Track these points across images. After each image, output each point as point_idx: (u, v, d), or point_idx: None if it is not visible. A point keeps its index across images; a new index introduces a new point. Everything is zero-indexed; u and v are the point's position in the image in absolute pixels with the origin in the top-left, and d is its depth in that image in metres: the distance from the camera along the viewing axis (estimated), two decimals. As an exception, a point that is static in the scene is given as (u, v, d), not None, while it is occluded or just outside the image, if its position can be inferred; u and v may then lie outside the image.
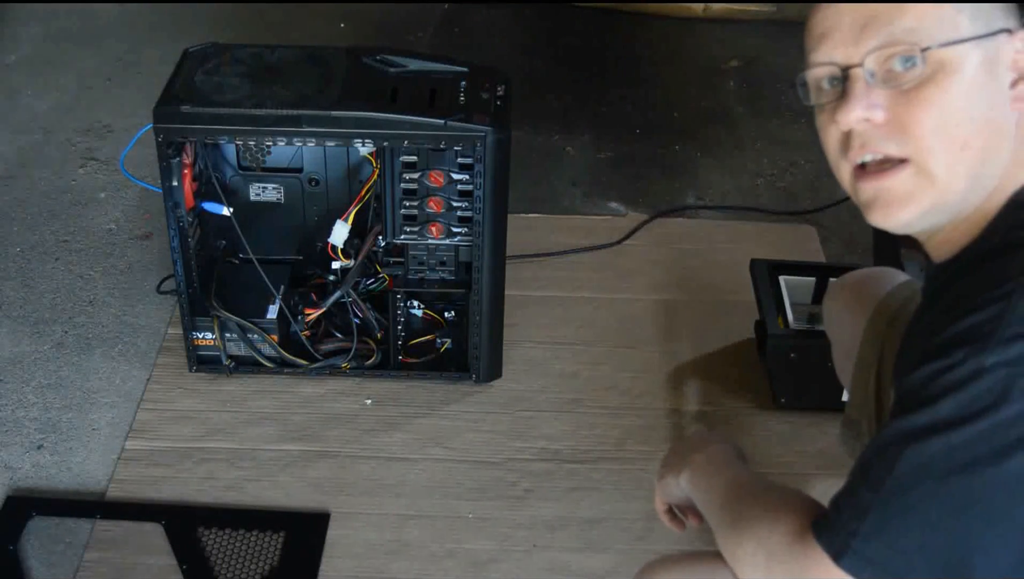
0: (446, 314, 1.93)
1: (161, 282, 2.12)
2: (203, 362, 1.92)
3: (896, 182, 0.89)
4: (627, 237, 2.30)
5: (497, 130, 1.65)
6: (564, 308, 2.13)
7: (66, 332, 2.05)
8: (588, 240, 2.29)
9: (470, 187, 1.72)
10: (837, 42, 0.90)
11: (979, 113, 0.88)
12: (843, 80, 0.90)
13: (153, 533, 1.66)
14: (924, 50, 0.86)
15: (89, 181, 2.45)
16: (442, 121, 1.64)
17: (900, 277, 1.42)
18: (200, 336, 1.88)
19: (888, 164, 0.89)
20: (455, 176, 1.74)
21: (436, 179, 1.74)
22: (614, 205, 2.42)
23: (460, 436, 1.85)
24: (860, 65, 0.88)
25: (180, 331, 1.92)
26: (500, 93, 1.72)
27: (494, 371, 1.93)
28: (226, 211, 1.81)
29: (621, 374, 1.98)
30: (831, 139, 0.93)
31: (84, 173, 2.47)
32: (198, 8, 3.09)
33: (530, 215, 2.35)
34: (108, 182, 2.44)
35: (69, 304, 2.11)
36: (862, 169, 0.91)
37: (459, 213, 1.77)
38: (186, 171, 1.73)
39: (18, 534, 1.65)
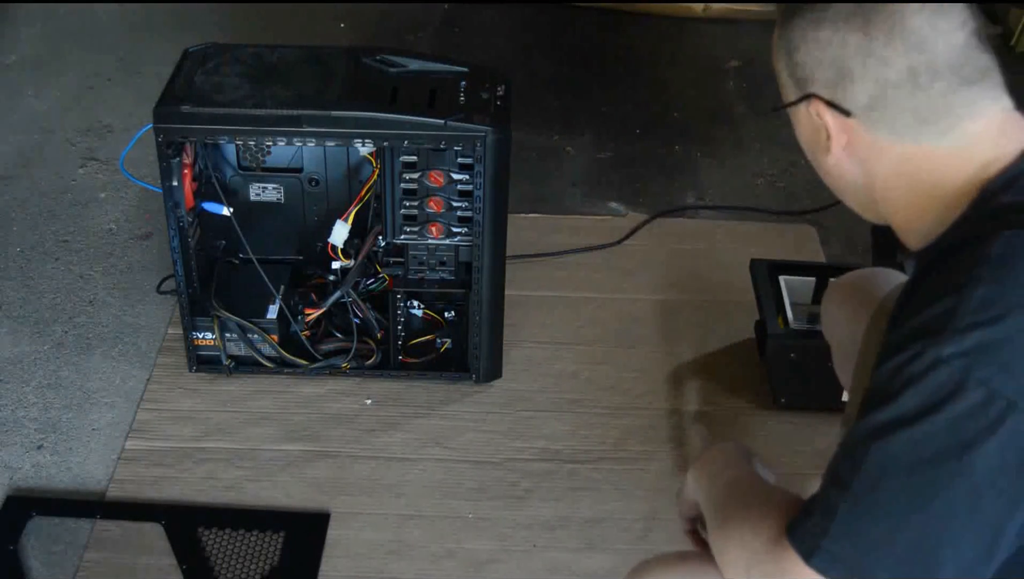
0: (446, 314, 1.93)
1: (161, 282, 2.12)
2: (203, 362, 1.92)
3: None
4: (627, 237, 2.30)
5: (497, 130, 1.65)
6: (564, 308, 2.12)
7: (66, 332, 2.05)
8: (588, 240, 2.29)
9: (470, 187, 1.72)
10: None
11: (818, 161, 1.04)
12: None
13: (153, 533, 1.66)
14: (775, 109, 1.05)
15: (89, 181, 2.45)
16: (442, 121, 1.64)
17: (898, 277, 1.43)
18: (200, 336, 1.88)
19: None
20: (455, 176, 1.74)
21: (436, 179, 1.74)
22: (614, 205, 2.42)
23: (460, 436, 1.85)
24: None
25: (180, 331, 1.92)
26: (500, 93, 1.72)
27: (494, 371, 1.93)
28: (226, 211, 1.81)
29: (621, 374, 1.98)
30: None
31: (84, 173, 2.47)
32: (198, 8, 3.09)
33: (530, 215, 2.35)
34: (108, 182, 2.44)
35: (69, 304, 2.11)
36: None
37: (459, 213, 1.77)
38: (186, 171, 1.73)
39: (18, 534, 1.65)
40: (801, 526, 0.89)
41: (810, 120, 1.00)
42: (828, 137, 0.99)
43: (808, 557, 0.87)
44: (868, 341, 1.38)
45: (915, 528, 0.84)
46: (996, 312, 0.83)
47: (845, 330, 1.44)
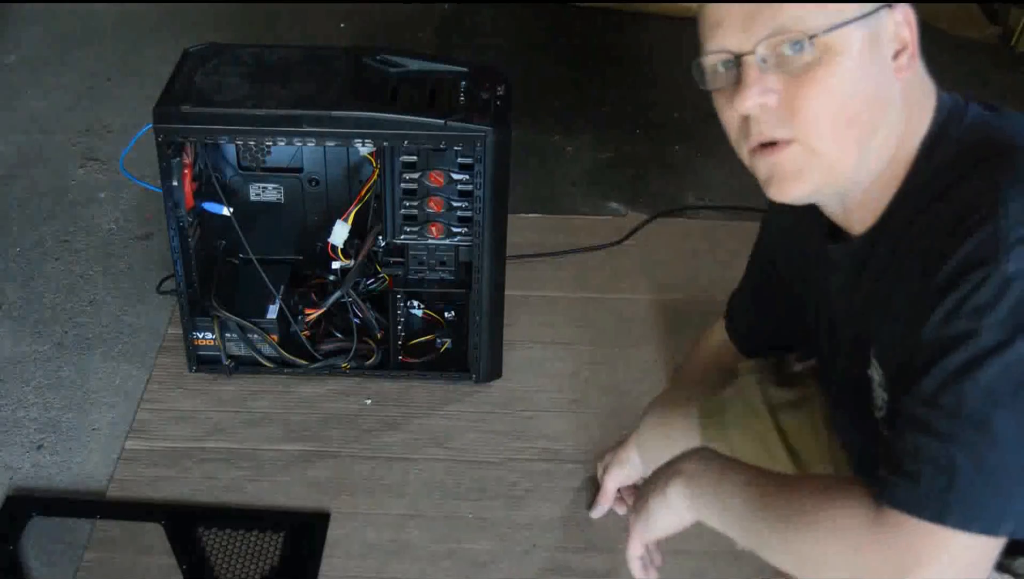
0: (446, 314, 1.93)
1: (161, 282, 2.12)
2: (203, 362, 1.92)
3: (786, 159, 0.94)
4: (627, 237, 2.30)
5: (497, 130, 1.66)
6: (564, 308, 2.13)
7: (66, 332, 2.05)
8: (588, 240, 2.29)
9: (470, 187, 1.72)
10: (729, 31, 0.93)
11: (865, 89, 0.92)
12: (736, 66, 0.93)
13: (153, 533, 1.66)
14: (812, 37, 0.89)
15: (89, 181, 2.45)
16: (442, 121, 1.64)
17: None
18: (200, 336, 1.88)
19: (778, 144, 0.94)
20: (455, 176, 1.74)
21: (436, 179, 1.74)
22: (614, 205, 2.42)
23: (460, 436, 1.85)
24: (752, 52, 0.91)
25: (180, 331, 1.92)
26: (500, 93, 1.72)
27: (494, 371, 1.93)
28: (226, 211, 1.81)
29: (621, 374, 1.98)
30: (730, 121, 0.97)
31: (84, 173, 2.47)
32: (198, 8, 3.09)
33: (530, 215, 2.35)
34: (108, 182, 2.44)
35: (69, 304, 2.11)
36: (759, 147, 0.96)
37: (459, 213, 1.77)
38: (186, 171, 1.73)
39: (18, 534, 1.65)
40: (912, 493, 0.86)
41: (873, 36, 0.91)
42: (902, 49, 0.93)
43: (943, 518, 0.84)
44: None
45: None
46: None
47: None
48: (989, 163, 0.91)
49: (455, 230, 1.79)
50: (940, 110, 0.98)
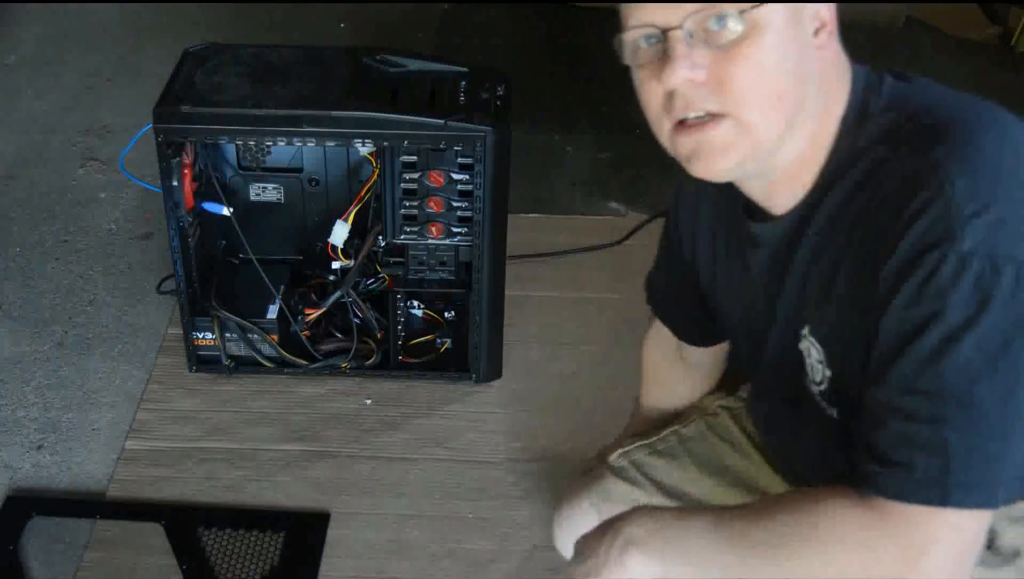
0: (446, 314, 1.93)
1: (161, 282, 2.12)
2: (203, 362, 1.92)
3: (716, 134, 0.92)
4: (627, 237, 2.30)
5: (497, 130, 1.66)
6: (564, 308, 2.12)
7: (66, 332, 2.05)
8: (588, 240, 2.29)
9: (470, 187, 1.72)
10: (656, 6, 0.92)
11: (791, 65, 0.91)
12: (662, 40, 0.92)
13: (153, 533, 1.66)
14: (742, 12, 0.89)
15: (89, 181, 2.45)
16: (442, 121, 1.64)
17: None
18: (200, 336, 1.88)
19: (708, 118, 0.92)
20: (455, 176, 1.74)
21: (436, 179, 1.74)
22: (614, 205, 2.42)
23: (460, 436, 1.85)
24: (679, 27, 0.90)
25: (180, 331, 1.92)
26: (500, 93, 1.72)
27: (494, 371, 1.93)
28: (226, 211, 1.81)
29: (621, 374, 1.97)
30: (653, 97, 0.96)
31: (84, 173, 2.48)
32: (198, 8, 3.09)
33: (530, 215, 2.35)
34: (108, 182, 2.44)
35: (69, 304, 2.11)
36: (681, 124, 0.94)
37: (459, 213, 1.77)
38: (186, 171, 1.73)
39: (18, 534, 1.65)
40: (909, 481, 0.86)
41: (795, 12, 0.91)
42: (821, 27, 0.94)
43: (944, 501, 0.85)
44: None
45: (1020, 406, 0.85)
46: (984, 196, 0.85)
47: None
48: (920, 138, 0.91)
49: (455, 230, 1.79)
50: (856, 85, 0.98)
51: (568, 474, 1.61)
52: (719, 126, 0.92)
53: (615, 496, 1.37)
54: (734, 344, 1.30)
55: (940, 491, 0.85)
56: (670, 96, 0.93)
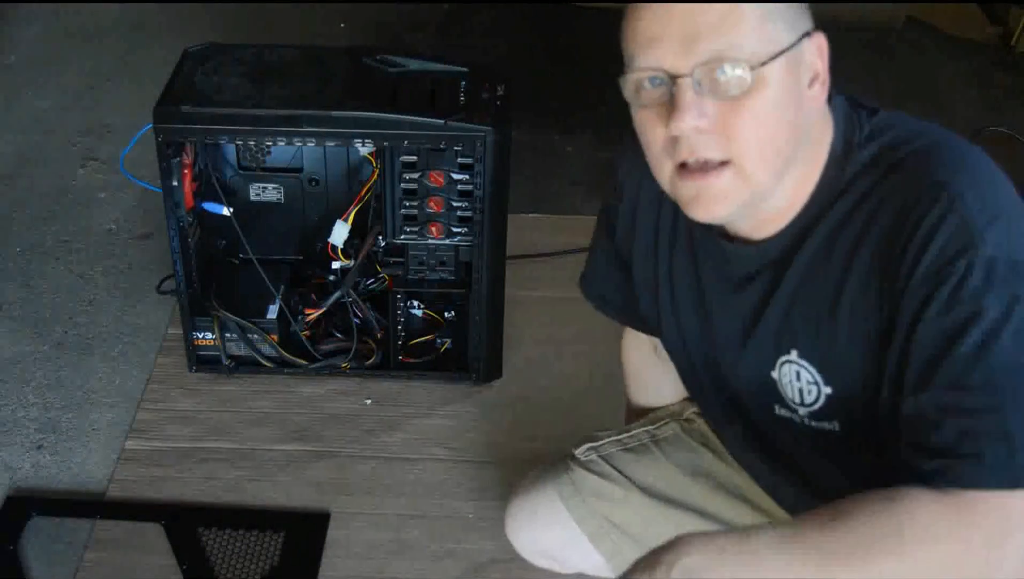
0: (446, 314, 1.93)
1: (161, 282, 2.12)
2: (203, 362, 1.92)
3: (717, 182, 0.96)
4: (627, 237, 2.30)
5: (497, 130, 1.65)
6: (564, 308, 2.12)
7: (66, 332, 2.05)
8: (588, 240, 2.27)
9: (470, 187, 1.72)
10: (666, 51, 0.94)
11: (790, 117, 0.96)
12: (668, 84, 0.94)
13: (153, 533, 1.66)
14: (753, 68, 0.92)
15: (89, 181, 2.45)
16: (442, 121, 1.64)
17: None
18: (200, 336, 1.88)
19: (709, 165, 0.96)
20: (455, 176, 1.74)
21: (436, 179, 1.74)
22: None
23: (460, 436, 1.85)
24: (689, 75, 0.93)
25: (180, 331, 1.92)
26: (500, 93, 1.72)
27: (494, 371, 1.93)
28: (226, 211, 1.81)
29: (621, 374, 1.97)
30: (655, 138, 0.98)
31: (84, 173, 2.48)
32: (198, 8, 3.09)
33: (530, 215, 2.35)
34: (108, 182, 2.44)
35: (69, 304, 2.11)
36: (683, 167, 0.97)
37: (459, 213, 1.77)
38: (186, 171, 1.73)
39: (18, 534, 1.65)
40: (980, 470, 0.88)
41: (794, 65, 0.95)
42: (815, 78, 0.98)
43: (1016, 483, 0.87)
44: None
45: None
46: (992, 206, 0.92)
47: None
48: (911, 162, 0.97)
49: (455, 230, 1.79)
50: (838, 121, 1.03)
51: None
52: (721, 175, 0.96)
53: (585, 488, 1.39)
54: (679, 363, 1.27)
55: (1011, 475, 0.88)
56: (674, 141, 0.96)
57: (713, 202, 0.97)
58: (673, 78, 0.93)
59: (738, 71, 0.92)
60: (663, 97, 0.95)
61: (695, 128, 0.94)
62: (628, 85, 0.98)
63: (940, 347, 0.90)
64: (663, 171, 1.00)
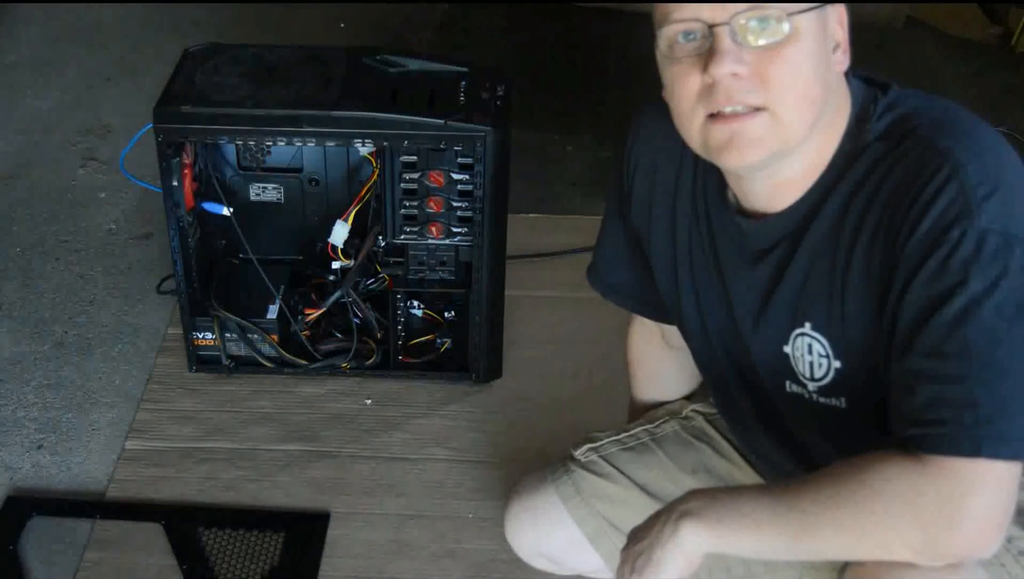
0: (446, 314, 1.93)
1: (161, 282, 2.12)
2: (203, 362, 1.92)
3: (752, 126, 0.97)
4: (627, 237, 2.30)
5: (497, 130, 1.66)
6: (564, 308, 2.12)
7: (66, 332, 2.05)
8: (588, 240, 2.25)
9: (470, 187, 1.72)
10: (703, 2, 0.97)
11: (820, 72, 0.98)
12: (707, 36, 0.97)
13: (153, 533, 1.66)
14: (789, 15, 0.95)
15: (89, 181, 2.45)
16: (442, 121, 1.64)
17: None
18: (200, 336, 1.88)
19: (744, 110, 0.98)
20: (455, 176, 1.74)
21: (436, 179, 1.74)
22: (614, 205, 2.42)
23: (460, 436, 1.85)
24: (727, 24, 0.95)
25: (180, 331, 1.92)
26: (500, 93, 1.72)
27: (494, 371, 1.93)
28: (226, 211, 1.81)
29: (621, 374, 1.97)
30: (689, 88, 0.99)
31: (84, 173, 2.48)
32: (198, 8, 3.09)
33: (530, 215, 2.34)
34: (108, 182, 2.44)
35: (69, 304, 2.11)
36: (714, 115, 0.99)
37: (459, 213, 1.77)
38: (186, 171, 1.73)
39: (18, 534, 1.65)
40: (944, 436, 0.91)
41: (823, 25, 0.98)
42: (837, 46, 1.01)
43: (976, 451, 0.89)
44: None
45: None
46: (993, 179, 0.93)
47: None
48: (922, 132, 0.99)
49: (455, 230, 1.79)
50: (856, 98, 1.05)
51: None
52: (755, 119, 0.97)
53: (585, 489, 1.39)
54: (695, 345, 1.28)
55: (973, 442, 0.90)
56: (709, 89, 0.98)
57: (748, 145, 0.98)
58: (711, 28, 0.96)
59: (774, 20, 0.94)
60: (699, 49, 0.97)
61: (733, 73, 0.95)
62: (662, 40, 1.00)
63: (923, 314, 0.93)
64: (694, 120, 1.01)
